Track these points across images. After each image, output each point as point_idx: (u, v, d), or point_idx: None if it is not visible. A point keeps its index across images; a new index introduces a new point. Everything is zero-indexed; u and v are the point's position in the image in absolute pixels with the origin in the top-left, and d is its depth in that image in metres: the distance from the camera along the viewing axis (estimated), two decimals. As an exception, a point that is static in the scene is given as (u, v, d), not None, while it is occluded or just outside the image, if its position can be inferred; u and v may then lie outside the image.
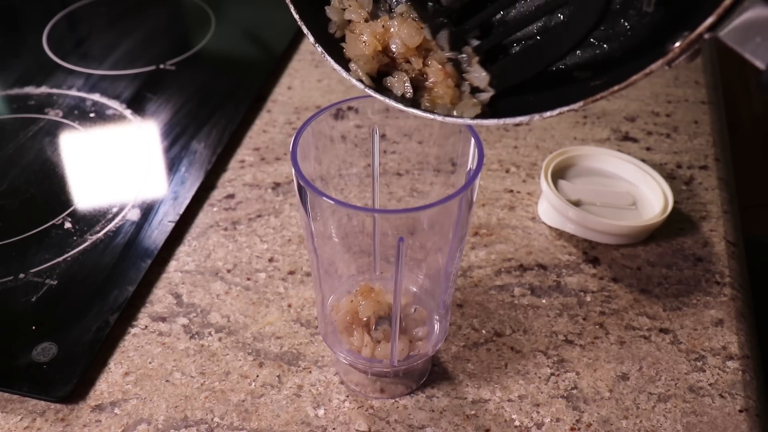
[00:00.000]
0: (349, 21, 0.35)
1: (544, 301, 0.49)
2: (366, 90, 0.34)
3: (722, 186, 0.58)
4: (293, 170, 0.35)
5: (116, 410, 0.43)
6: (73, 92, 0.70)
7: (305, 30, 0.35)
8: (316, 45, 0.35)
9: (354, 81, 0.35)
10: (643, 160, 0.59)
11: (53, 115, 0.66)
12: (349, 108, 0.39)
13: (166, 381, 0.44)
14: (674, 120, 0.65)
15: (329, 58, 0.35)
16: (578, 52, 0.33)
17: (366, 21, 0.35)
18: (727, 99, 0.70)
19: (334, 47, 0.35)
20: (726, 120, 0.67)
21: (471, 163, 0.36)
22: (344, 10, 0.35)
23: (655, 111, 0.66)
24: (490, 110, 0.33)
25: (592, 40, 0.33)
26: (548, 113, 0.30)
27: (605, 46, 0.33)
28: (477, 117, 0.33)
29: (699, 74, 0.70)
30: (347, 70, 0.35)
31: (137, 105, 0.67)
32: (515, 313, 0.48)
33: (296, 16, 0.35)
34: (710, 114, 0.65)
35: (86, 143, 0.64)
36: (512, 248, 0.53)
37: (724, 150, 0.62)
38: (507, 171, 0.60)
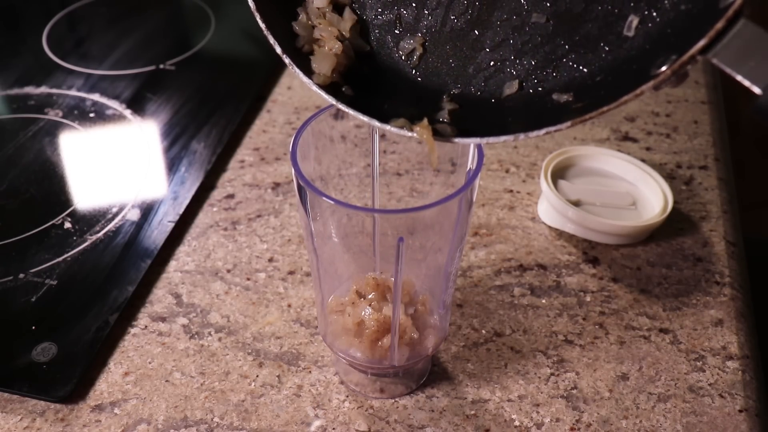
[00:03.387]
0: (317, 38, 0.35)
1: (543, 301, 0.49)
2: (341, 107, 0.33)
3: (722, 186, 0.58)
4: (293, 170, 0.35)
5: (116, 410, 0.43)
6: (73, 92, 0.70)
7: (272, 40, 0.34)
8: (284, 56, 0.34)
9: (327, 96, 0.34)
10: (643, 160, 0.59)
11: (53, 115, 0.66)
12: (349, 108, 0.39)
13: (166, 381, 0.44)
14: (674, 120, 0.65)
15: (298, 71, 0.33)
16: (555, 74, 0.33)
17: (337, 38, 0.34)
18: (727, 99, 0.70)
19: (304, 59, 0.34)
20: (726, 120, 0.67)
21: (471, 163, 0.36)
22: (314, 27, 0.35)
23: (655, 111, 0.66)
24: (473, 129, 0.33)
25: (570, 63, 0.33)
26: (534, 133, 0.30)
27: (584, 69, 0.32)
28: (461, 136, 0.32)
29: (699, 74, 0.70)
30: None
31: (137, 105, 0.67)
32: (515, 313, 0.48)
33: (262, 25, 0.34)
34: (710, 114, 0.65)
35: (86, 143, 0.64)
36: (512, 248, 0.53)
37: (724, 150, 0.62)
38: (507, 171, 0.60)
